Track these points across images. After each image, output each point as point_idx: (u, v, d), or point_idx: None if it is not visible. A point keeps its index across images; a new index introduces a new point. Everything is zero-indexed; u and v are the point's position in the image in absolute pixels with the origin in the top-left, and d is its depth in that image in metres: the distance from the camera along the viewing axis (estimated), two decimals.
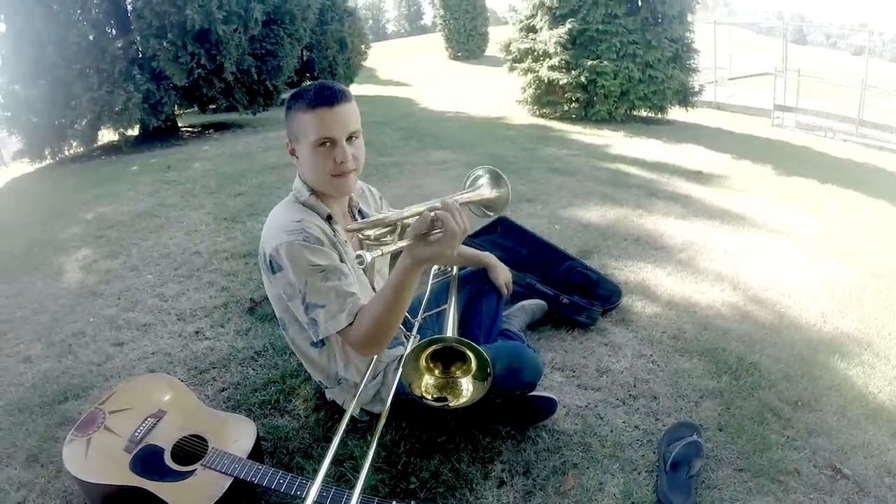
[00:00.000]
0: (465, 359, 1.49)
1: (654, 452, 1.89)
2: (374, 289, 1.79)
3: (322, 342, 1.65)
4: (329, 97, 1.49)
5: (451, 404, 1.50)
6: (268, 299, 2.76)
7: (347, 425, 1.45)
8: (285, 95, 10.68)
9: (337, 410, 1.93)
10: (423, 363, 1.51)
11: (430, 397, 1.50)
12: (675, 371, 2.35)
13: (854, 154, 9.15)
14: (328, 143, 1.51)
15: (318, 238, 1.52)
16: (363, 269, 1.73)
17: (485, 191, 1.49)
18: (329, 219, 1.63)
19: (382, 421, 1.48)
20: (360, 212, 1.80)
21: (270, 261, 1.51)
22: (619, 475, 1.79)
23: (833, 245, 4.07)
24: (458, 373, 1.52)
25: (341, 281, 1.50)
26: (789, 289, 3.24)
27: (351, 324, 1.47)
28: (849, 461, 1.95)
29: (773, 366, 2.45)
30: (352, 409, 1.49)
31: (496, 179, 1.49)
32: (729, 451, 1.93)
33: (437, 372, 1.52)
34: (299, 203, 1.61)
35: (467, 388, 1.50)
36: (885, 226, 4.94)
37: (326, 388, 1.84)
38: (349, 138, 1.53)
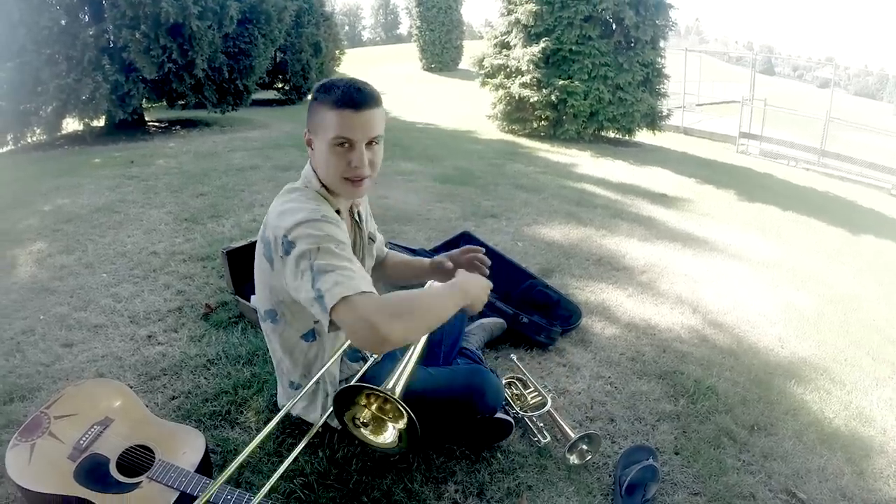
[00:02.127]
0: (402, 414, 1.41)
1: (610, 475, 1.88)
2: None
3: (314, 336, 1.61)
4: (357, 101, 1.44)
5: (368, 437, 1.42)
6: (225, 305, 2.74)
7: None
8: (256, 96, 10.65)
9: (289, 424, 1.88)
10: (362, 399, 1.43)
11: (350, 423, 1.43)
12: (632, 393, 2.35)
13: (816, 183, 9.42)
14: (346, 145, 1.47)
15: (337, 220, 1.48)
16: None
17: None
18: (338, 213, 1.58)
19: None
20: (358, 213, 1.75)
21: (284, 240, 1.41)
22: (573, 498, 1.78)
23: (792, 271, 4.17)
24: (390, 416, 1.44)
25: (354, 259, 1.42)
26: (748, 314, 3.30)
27: (364, 293, 1.30)
28: (804, 485, 1.98)
29: (731, 390, 2.48)
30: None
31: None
32: (685, 475, 1.93)
33: (373, 408, 1.45)
34: (312, 190, 1.56)
35: (389, 435, 1.42)
36: (843, 254, 5.08)
37: (296, 387, 1.73)
38: (369, 143, 1.49)
